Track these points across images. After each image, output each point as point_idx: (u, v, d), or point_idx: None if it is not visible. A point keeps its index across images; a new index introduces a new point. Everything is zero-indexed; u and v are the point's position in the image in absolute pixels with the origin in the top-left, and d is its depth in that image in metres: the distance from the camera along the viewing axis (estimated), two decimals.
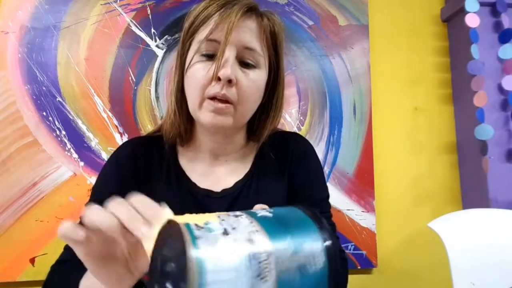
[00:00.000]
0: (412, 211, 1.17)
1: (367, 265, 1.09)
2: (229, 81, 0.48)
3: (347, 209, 1.11)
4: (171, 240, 0.25)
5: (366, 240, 1.10)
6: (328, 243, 0.27)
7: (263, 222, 0.26)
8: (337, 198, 1.11)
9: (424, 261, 1.13)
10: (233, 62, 0.49)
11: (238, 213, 0.28)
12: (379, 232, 1.12)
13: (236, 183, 0.57)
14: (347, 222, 1.10)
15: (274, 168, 0.59)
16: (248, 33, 0.50)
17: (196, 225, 0.25)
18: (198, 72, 0.50)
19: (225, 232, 0.25)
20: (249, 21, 0.51)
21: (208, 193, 0.56)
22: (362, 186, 1.13)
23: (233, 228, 0.25)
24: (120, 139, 1.04)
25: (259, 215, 0.28)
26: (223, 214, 0.27)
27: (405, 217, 1.16)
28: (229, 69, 0.48)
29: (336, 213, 1.10)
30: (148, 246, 0.28)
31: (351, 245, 1.09)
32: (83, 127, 1.02)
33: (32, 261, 0.94)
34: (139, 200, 0.31)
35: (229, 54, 0.49)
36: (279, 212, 0.29)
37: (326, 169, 1.12)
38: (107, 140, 1.03)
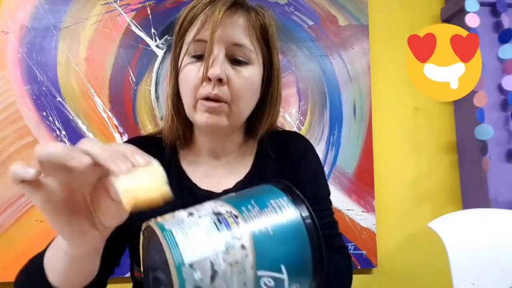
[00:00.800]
0: (412, 211, 1.17)
1: (367, 265, 1.09)
2: (220, 80, 0.47)
3: (347, 209, 1.11)
4: (154, 245, 0.26)
5: (366, 240, 1.10)
6: (294, 197, 0.28)
7: (227, 199, 0.28)
8: (337, 198, 1.11)
9: (424, 261, 1.13)
10: (223, 60, 0.48)
11: (204, 202, 0.29)
12: (379, 232, 1.12)
13: (237, 184, 0.57)
14: (347, 222, 1.10)
15: (274, 167, 0.59)
16: (236, 29, 0.49)
17: (164, 219, 0.26)
18: (189, 73, 0.49)
19: (190, 214, 0.26)
20: (235, 17, 0.50)
21: (209, 194, 0.55)
22: (362, 186, 1.13)
23: (197, 210, 0.27)
24: (120, 139, 1.04)
25: (223, 197, 0.29)
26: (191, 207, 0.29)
27: (405, 217, 1.16)
28: (218, 68, 0.47)
29: (336, 213, 1.08)
30: (122, 189, 0.25)
31: (351, 245, 1.09)
32: (83, 127, 1.02)
33: None
34: (123, 145, 0.28)
35: (218, 52, 0.48)
36: (244, 191, 0.31)
37: (326, 169, 1.12)
38: (107, 140, 1.03)
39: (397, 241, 1.15)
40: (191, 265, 0.23)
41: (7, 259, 0.93)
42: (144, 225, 0.27)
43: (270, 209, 0.27)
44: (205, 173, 0.57)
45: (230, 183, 0.56)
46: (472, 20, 1.08)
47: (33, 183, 0.27)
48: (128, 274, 0.58)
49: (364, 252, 1.10)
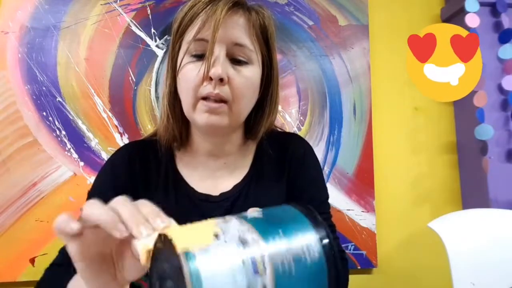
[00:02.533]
0: (412, 211, 1.17)
1: (367, 265, 1.09)
2: (221, 80, 0.47)
3: (347, 209, 1.11)
4: (166, 255, 0.25)
5: (366, 240, 1.10)
6: (321, 233, 0.26)
7: (253, 222, 0.27)
8: (337, 198, 1.11)
9: (424, 261, 1.13)
10: (224, 60, 0.48)
11: (228, 217, 0.28)
12: (379, 232, 1.12)
13: (235, 186, 0.56)
14: (347, 222, 1.10)
15: (272, 170, 0.59)
16: (237, 29, 0.49)
17: (188, 240, 0.24)
18: (189, 73, 0.49)
19: (216, 236, 0.24)
20: (236, 17, 0.50)
21: (206, 197, 0.55)
22: (362, 186, 1.13)
23: (223, 231, 0.25)
24: (120, 139, 1.04)
25: (249, 217, 0.28)
26: (212, 220, 0.27)
27: (405, 217, 1.16)
28: (219, 67, 0.47)
29: (336, 213, 1.10)
30: (142, 249, 0.27)
31: (351, 245, 1.09)
32: (83, 127, 1.02)
33: (32, 261, 0.94)
34: (146, 204, 0.30)
35: (219, 52, 0.48)
36: (270, 211, 0.29)
37: (326, 169, 1.12)
38: (107, 140, 1.03)
39: (397, 241, 1.15)
40: None
41: (7, 259, 0.93)
42: (160, 236, 0.27)
43: (298, 246, 0.25)
44: (202, 175, 0.57)
45: (227, 185, 0.56)
46: (472, 20, 1.07)
47: (74, 235, 0.29)
48: None
49: (364, 252, 1.10)
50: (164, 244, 0.25)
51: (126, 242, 0.31)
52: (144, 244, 0.27)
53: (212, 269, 0.22)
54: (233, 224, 0.26)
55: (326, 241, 0.26)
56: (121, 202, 0.30)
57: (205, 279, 0.22)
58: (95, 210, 0.29)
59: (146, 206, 0.30)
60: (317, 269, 0.25)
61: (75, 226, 0.29)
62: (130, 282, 0.34)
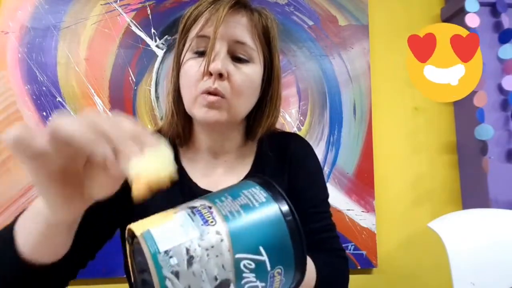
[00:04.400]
0: (412, 211, 1.17)
1: (367, 265, 1.09)
2: (220, 75, 0.48)
3: (347, 209, 1.11)
4: (139, 248, 0.26)
5: (366, 240, 1.10)
6: (264, 181, 0.29)
7: (203, 196, 0.29)
8: (337, 198, 1.11)
9: (424, 261, 1.13)
10: (224, 56, 0.49)
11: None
12: (379, 232, 1.12)
13: None
14: (347, 222, 1.10)
15: (273, 169, 0.59)
16: (238, 27, 0.50)
17: (141, 220, 0.27)
18: (190, 68, 0.50)
19: (166, 212, 0.27)
20: (238, 16, 0.51)
21: (208, 193, 0.55)
22: (362, 186, 1.13)
23: (174, 208, 0.28)
24: None
25: (205, 195, 0.30)
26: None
27: (405, 217, 1.16)
28: (219, 62, 0.48)
29: (336, 213, 1.10)
30: (133, 169, 0.25)
31: (351, 245, 1.09)
32: None
33: None
34: (123, 119, 0.26)
35: (220, 48, 0.49)
36: (221, 188, 0.31)
37: (326, 169, 1.12)
38: None
39: (397, 241, 1.15)
40: (166, 252, 0.23)
41: None
42: (126, 232, 0.28)
43: (243, 197, 0.28)
44: (205, 172, 0.57)
45: (229, 183, 0.56)
46: (472, 20, 1.08)
47: (37, 153, 0.24)
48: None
49: (364, 252, 1.10)
50: (133, 240, 0.27)
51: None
52: (135, 167, 0.25)
53: (164, 231, 0.25)
54: (184, 204, 0.28)
55: (269, 184, 0.29)
56: (99, 117, 0.25)
57: (160, 241, 0.24)
58: (69, 124, 0.24)
59: (127, 122, 0.26)
60: (267, 209, 0.27)
61: (42, 142, 0.24)
62: (97, 200, 0.30)
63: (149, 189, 0.25)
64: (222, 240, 0.25)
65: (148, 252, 0.23)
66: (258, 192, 0.28)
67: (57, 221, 0.31)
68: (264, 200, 0.28)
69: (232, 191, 0.29)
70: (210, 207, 0.27)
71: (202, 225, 0.25)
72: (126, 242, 0.28)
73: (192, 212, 0.26)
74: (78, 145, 0.24)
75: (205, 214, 0.26)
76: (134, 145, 0.25)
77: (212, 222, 0.25)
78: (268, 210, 0.27)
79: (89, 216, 0.36)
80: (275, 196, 0.28)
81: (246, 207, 0.27)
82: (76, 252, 0.39)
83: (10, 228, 0.35)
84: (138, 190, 0.25)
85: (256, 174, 0.32)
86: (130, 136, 0.26)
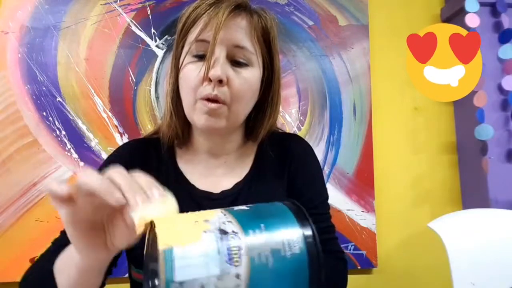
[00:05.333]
0: (412, 211, 1.17)
1: (367, 265, 1.09)
2: (220, 81, 0.48)
3: (347, 209, 1.11)
4: (154, 251, 0.25)
5: (366, 240, 1.10)
6: (307, 230, 0.26)
7: (238, 214, 0.27)
8: (337, 198, 1.11)
9: (424, 261, 1.13)
10: (224, 61, 0.49)
11: (216, 209, 0.29)
12: (379, 232, 1.12)
13: (236, 185, 0.56)
14: (347, 222, 1.10)
15: (273, 169, 0.59)
16: (238, 31, 0.50)
17: (168, 223, 0.27)
18: (189, 73, 0.50)
19: (196, 222, 0.26)
20: (238, 19, 0.50)
21: (207, 195, 0.55)
22: (362, 186, 1.13)
23: (205, 220, 0.26)
24: (120, 139, 1.04)
25: (235, 209, 0.28)
26: (200, 212, 0.28)
27: (405, 217, 1.16)
28: (219, 69, 0.47)
29: (336, 213, 1.10)
30: (139, 221, 0.27)
31: (351, 245, 1.09)
32: (83, 127, 1.02)
33: (32, 261, 0.93)
34: (141, 175, 0.31)
35: (219, 53, 0.48)
36: (258, 206, 0.29)
37: (326, 169, 1.12)
38: (107, 140, 1.03)
39: (397, 241, 1.15)
40: (180, 284, 0.23)
41: (7, 259, 0.93)
42: (151, 221, 0.28)
43: (277, 238, 0.25)
44: (203, 173, 0.57)
45: (228, 184, 0.56)
46: (472, 20, 1.08)
47: (65, 199, 0.30)
48: (127, 275, 0.58)
49: (364, 252, 1.10)
50: (152, 239, 0.26)
51: (118, 210, 0.31)
52: (141, 216, 0.27)
53: (186, 255, 0.23)
54: (217, 216, 0.26)
55: (310, 238, 0.26)
56: (117, 172, 0.30)
57: (178, 268, 0.23)
58: (90, 177, 0.29)
59: (141, 177, 0.31)
60: (297, 264, 0.25)
61: (65, 188, 0.29)
62: (120, 249, 0.34)
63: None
64: (238, 286, 0.24)
65: (163, 276, 0.23)
66: (295, 238, 0.26)
67: (86, 267, 0.35)
68: (298, 252, 0.25)
69: (269, 223, 0.26)
70: (240, 239, 0.25)
71: (225, 262, 0.24)
72: (150, 227, 0.28)
73: (221, 239, 0.24)
74: (96, 193, 0.28)
75: (233, 249, 0.24)
76: (140, 195, 0.29)
77: (236, 262, 0.24)
78: (297, 266, 0.25)
79: None
80: (311, 254, 0.25)
81: (277, 255, 0.25)
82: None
83: (49, 269, 0.41)
84: (138, 231, 0.28)
85: (297, 203, 0.29)
86: (140, 186, 0.30)
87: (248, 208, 0.29)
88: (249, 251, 0.24)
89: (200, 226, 0.25)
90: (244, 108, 0.53)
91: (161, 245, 0.24)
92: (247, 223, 0.26)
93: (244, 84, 0.50)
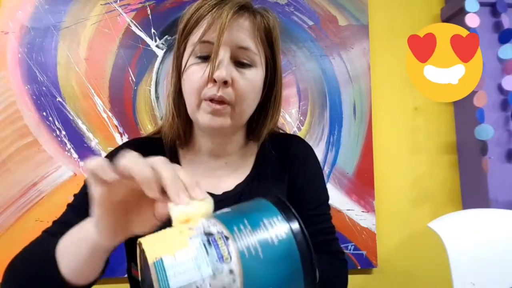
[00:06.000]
0: (412, 211, 1.17)
1: (367, 265, 1.09)
2: (225, 83, 0.48)
3: (347, 209, 1.11)
4: (145, 261, 0.26)
5: (366, 240, 1.10)
6: (289, 216, 0.27)
7: (220, 216, 0.28)
8: (337, 198, 1.11)
9: (424, 261, 1.13)
10: (228, 62, 0.49)
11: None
12: (379, 232, 1.12)
13: (237, 186, 0.56)
14: (347, 222, 1.10)
15: (274, 170, 0.59)
16: (241, 32, 0.50)
17: (154, 239, 0.27)
18: (193, 74, 0.50)
19: (181, 232, 0.26)
20: (241, 20, 0.50)
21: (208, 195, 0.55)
22: (362, 186, 1.13)
23: (190, 228, 0.26)
24: (120, 139, 1.04)
25: (218, 213, 0.29)
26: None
27: (405, 217, 1.16)
28: (224, 70, 0.47)
29: (336, 213, 1.10)
30: (178, 216, 0.27)
31: (351, 245, 1.09)
32: (83, 127, 1.02)
33: None
34: (184, 172, 0.30)
35: (223, 55, 0.49)
36: (239, 205, 0.30)
37: (326, 169, 1.12)
38: (107, 140, 1.03)
39: (397, 241, 1.15)
40: None
41: (7, 259, 0.93)
42: (138, 241, 0.28)
43: (263, 229, 0.26)
44: (205, 174, 0.57)
45: (230, 185, 0.56)
46: (472, 20, 1.07)
47: (106, 182, 0.29)
48: (126, 275, 0.58)
49: (364, 252, 1.10)
50: (144, 260, 0.26)
51: (151, 199, 0.31)
52: (181, 212, 0.28)
53: (176, 263, 0.24)
54: (200, 223, 0.27)
55: (294, 221, 0.27)
56: (162, 162, 0.30)
57: (171, 276, 0.23)
58: (136, 164, 0.29)
59: (184, 174, 0.30)
60: (287, 249, 0.26)
61: (112, 175, 0.29)
62: (135, 235, 0.34)
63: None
64: (234, 281, 0.24)
65: (157, 285, 0.23)
66: (279, 225, 0.26)
67: (102, 247, 0.35)
68: (284, 237, 0.26)
69: (252, 217, 0.27)
70: (227, 238, 0.25)
71: (216, 260, 0.24)
72: (138, 247, 0.28)
73: (208, 241, 0.25)
74: (136, 180, 0.28)
75: (221, 247, 0.25)
76: (184, 193, 0.29)
77: (227, 258, 0.24)
78: (286, 250, 0.26)
79: None
80: (296, 234, 0.26)
81: (265, 244, 0.25)
82: None
83: (51, 249, 0.39)
84: (176, 225, 0.28)
85: (278, 196, 0.30)
86: (182, 187, 0.29)
87: (230, 210, 0.30)
88: (237, 247, 0.25)
89: (186, 234, 0.26)
90: (248, 108, 0.53)
91: (150, 259, 0.24)
92: (231, 221, 0.27)
93: (248, 85, 0.51)
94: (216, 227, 0.26)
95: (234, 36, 0.49)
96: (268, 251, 0.25)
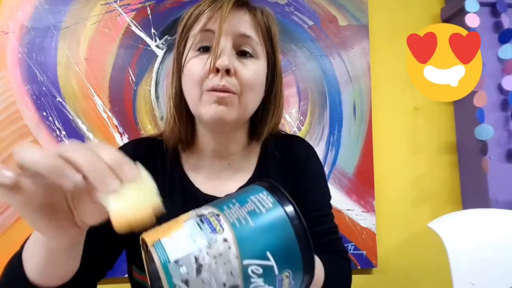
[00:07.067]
0: (412, 211, 1.17)
1: (367, 265, 1.09)
2: (227, 71, 0.46)
3: (347, 209, 1.11)
4: (150, 256, 0.27)
5: (366, 240, 1.10)
6: (271, 187, 0.29)
7: (211, 203, 0.30)
8: (337, 198, 1.11)
9: (424, 261, 1.13)
10: (230, 51, 0.48)
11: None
12: (379, 232, 1.12)
13: (240, 189, 0.56)
14: (347, 222, 1.10)
15: (277, 171, 0.59)
16: (242, 23, 0.50)
17: (154, 229, 0.28)
18: (194, 67, 0.49)
19: (176, 221, 0.28)
20: (241, 13, 0.50)
21: (212, 199, 0.55)
22: (362, 186, 1.13)
23: (184, 216, 0.29)
24: (120, 139, 1.04)
25: (209, 203, 0.31)
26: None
27: (405, 217, 1.16)
28: (226, 58, 0.46)
29: (336, 213, 1.10)
30: (116, 217, 0.25)
31: (351, 245, 1.09)
32: (83, 127, 1.02)
33: None
34: (104, 148, 0.25)
35: (225, 43, 0.48)
36: (228, 194, 0.32)
37: (326, 169, 1.12)
38: (107, 140, 1.03)
39: (397, 241, 1.15)
40: (176, 262, 0.24)
41: (7, 259, 0.93)
42: (140, 240, 0.28)
43: (250, 204, 0.28)
44: (208, 177, 0.57)
45: (233, 187, 0.55)
46: (472, 20, 1.08)
47: (10, 187, 0.24)
48: (126, 275, 0.58)
49: (364, 252, 1.10)
50: (147, 248, 0.27)
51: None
52: (113, 204, 0.24)
53: (173, 240, 0.25)
54: (193, 211, 0.29)
55: (277, 190, 0.29)
56: (72, 147, 0.25)
57: (170, 251, 0.25)
58: (33, 154, 0.24)
59: (105, 152, 0.25)
60: (275, 215, 0.27)
61: (8, 174, 0.23)
62: (92, 224, 0.31)
63: (129, 227, 0.25)
64: (229, 248, 0.25)
65: (158, 261, 0.24)
66: (265, 198, 0.28)
67: (55, 247, 0.32)
68: (270, 205, 0.28)
69: (240, 197, 0.29)
70: (218, 215, 0.27)
71: (210, 233, 0.26)
72: (142, 249, 0.29)
73: (201, 220, 0.27)
74: (45, 175, 0.23)
75: (213, 222, 0.26)
76: (112, 179, 0.24)
77: (219, 230, 0.26)
78: (274, 215, 0.27)
79: (98, 232, 0.35)
80: (282, 200, 0.28)
81: (253, 214, 0.27)
82: (91, 268, 0.40)
83: (19, 254, 0.37)
84: (118, 227, 0.24)
85: (263, 178, 0.32)
86: (107, 169, 0.25)
87: (222, 196, 0.32)
88: (228, 219, 0.27)
89: (180, 219, 0.28)
90: (253, 99, 0.51)
91: (150, 243, 0.25)
92: (221, 204, 0.29)
93: (252, 74, 0.49)
94: (207, 210, 0.28)
95: (235, 25, 0.49)
96: (257, 219, 0.27)
